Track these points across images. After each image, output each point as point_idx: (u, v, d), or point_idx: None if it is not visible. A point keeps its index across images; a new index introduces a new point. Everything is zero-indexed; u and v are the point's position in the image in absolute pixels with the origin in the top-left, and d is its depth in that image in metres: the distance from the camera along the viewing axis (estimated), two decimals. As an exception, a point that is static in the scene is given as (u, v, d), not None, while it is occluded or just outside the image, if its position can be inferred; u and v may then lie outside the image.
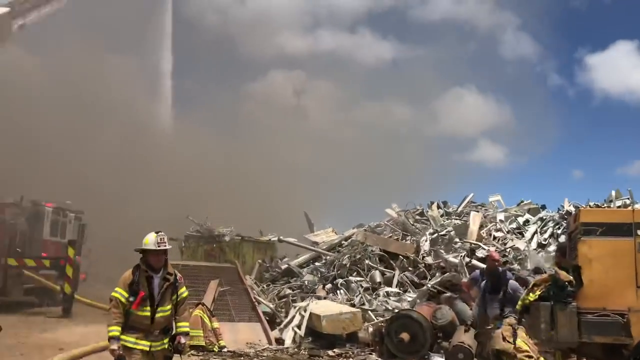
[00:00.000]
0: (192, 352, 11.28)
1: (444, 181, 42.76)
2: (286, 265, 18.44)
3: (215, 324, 12.04)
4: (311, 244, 20.69)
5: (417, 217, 19.67)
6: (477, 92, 65.95)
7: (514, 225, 17.24)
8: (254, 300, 14.27)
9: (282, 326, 12.88)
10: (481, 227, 16.46)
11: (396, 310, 12.43)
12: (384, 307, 13.18)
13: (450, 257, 13.83)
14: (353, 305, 13.33)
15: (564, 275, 8.08)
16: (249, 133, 35.63)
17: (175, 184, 27.63)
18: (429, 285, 13.27)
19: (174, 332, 6.13)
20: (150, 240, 6.03)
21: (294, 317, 12.92)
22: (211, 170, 29.83)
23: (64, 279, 16.35)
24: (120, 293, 5.90)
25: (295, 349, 11.65)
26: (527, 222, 17.42)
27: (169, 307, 6.05)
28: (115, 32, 33.26)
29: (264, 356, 11.06)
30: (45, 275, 16.82)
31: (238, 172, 30.74)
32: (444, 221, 18.16)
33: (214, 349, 11.49)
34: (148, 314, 5.95)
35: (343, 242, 19.33)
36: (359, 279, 15.32)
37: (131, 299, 5.90)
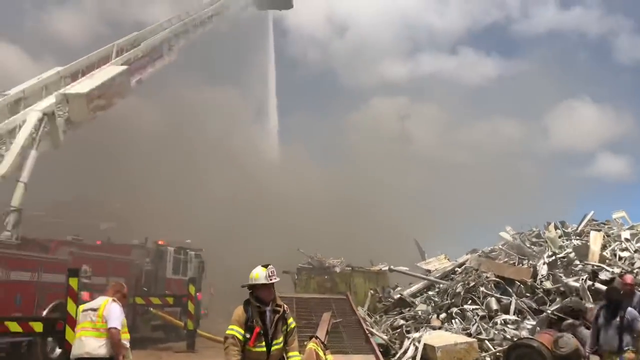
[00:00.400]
0: (307, 385, 11.38)
1: (561, 200, 40.60)
2: (398, 295, 18.25)
3: (330, 357, 12.07)
4: (423, 272, 20.38)
5: (534, 239, 18.84)
6: (591, 103, 62.46)
7: (642, 244, 15.99)
8: (367, 331, 14.19)
9: (396, 358, 12.70)
10: (604, 247, 15.43)
11: (515, 339, 11.87)
12: (501, 336, 12.64)
13: (571, 281, 13.06)
14: (469, 335, 12.90)
15: None
16: (355, 162, 36.00)
17: (285, 217, 28.35)
18: (549, 312, 12.55)
19: None
20: (260, 274, 5.96)
21: (408, 348, 12.72)
22: (319, 201, 30.36)
23: (186, 315, 17.17)
24: (236, 330, 5.80)
25: (411, 381, 11.42)
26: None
27: (281, 339, 6.00)
28: (219, 70, 35.24)
29: None
30: (169, 312, 17.79)
31: (346, 202, 31.02)
32: (563, 242, 17.24)
33: (331, 382, 11.50)
34: (264, 349, 5.88)
35: (456, 269, 18.86)
36: (474, 307, 14.83)
37: (247, 335, 5.81)
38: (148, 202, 30.74)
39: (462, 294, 15.65)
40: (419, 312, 16.07)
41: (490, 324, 13.62)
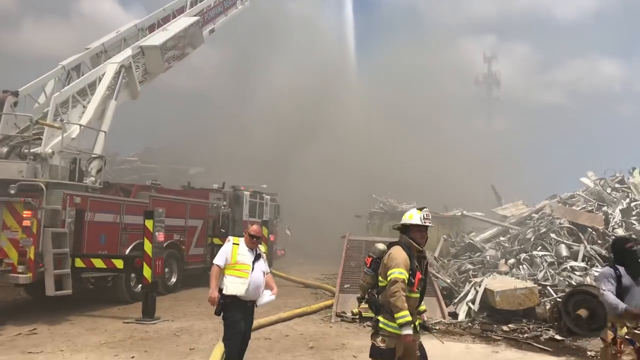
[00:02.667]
0: (368, 322, 11.84)
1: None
2: (469, 241, 18.22)
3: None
4: (499, 218, 20.09)
5: (616, 185, 18.02)
6: None
7: None
8: (431, 274, 14.38)
9: (456, 301, 12.85)
10: None
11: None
12: (566, 283, 12.44)
13: (643, 228, 12.52)
14: (536, 281, 12.78)
15: None
16: (437, 105, 35.06)
17: (360, 163, 28.51)
18: (616, 259, 12.12)
19: None
20: (414, 216, 5.74)
21: (468, 292, 12.82)
22: (396, 146, 30.17)
23: (259, 255, 17.95)
24: (405, 274, 5.46)
25: (469, 324, 11.57)
26: None
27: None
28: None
29: (435, 329, 11.16)
30: (245, 252, 18.66)
31: (424, 146, 30.66)
32: (647, 189, 16.42)
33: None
34: (418, 295, 5.69)
35: (533, 215, 18.48)
36: (543, 253, 14.60)
37: (412, 280, 5.55)
38: (232, 148, 31.99)
39: (532, 239, 15.42)
40: (487, 257, 16.03)
41: (558, 271, 13.41)
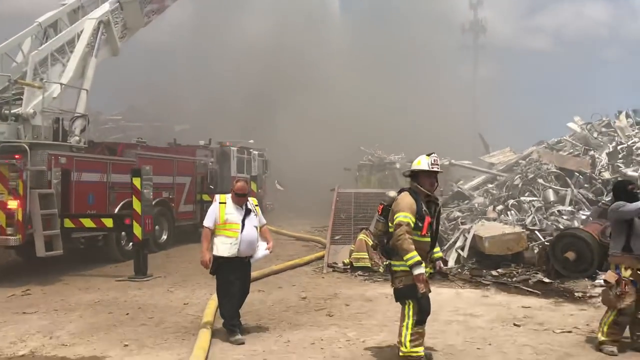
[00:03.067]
0: (359, 272, 12.01)
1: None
2: (457, 189, 18.31)
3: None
4: (487, 166, 20.17)
5: (603, 129, 18.08)
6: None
7: None
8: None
9: (445, 248, 12.99)
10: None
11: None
12: (554, 227, 12.59)
13: (629, 171, 12.62)
14: (524, 226, 12.93)
15: None
16: (423, 54, 34.65)
17: (348, 115, 28.31)
18: (603, 202, 12.30)
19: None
20: (422, 162, 5.76)
21: (457, 238, 12.96)
22: (383, 96, 29.96)
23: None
24: (410, 218, 5.55)
25: (458, 270, 11.74)
26: None
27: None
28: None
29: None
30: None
31: (411, 97, 30.46)
32: (633, 132, 16.48)
33: (379, 270, 12.00)
34: (429, 239, 5.77)
35: (521, 161, 18.54)
36: (531, 198, 14.72)
37: (420, 224, 5.62)
38: (217, 104, 31.62)
39: (520, 186, 15.52)
40: (476, 205, 16.15)
41: (546, 215, 13.56)
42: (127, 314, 8.57)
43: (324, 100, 29.51)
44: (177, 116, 35.03)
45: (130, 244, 12.59)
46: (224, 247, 6.96)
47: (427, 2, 38.39)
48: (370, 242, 12.48)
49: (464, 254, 12.22)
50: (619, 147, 14.35)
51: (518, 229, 12.11)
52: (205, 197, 16.74)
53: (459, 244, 12.68)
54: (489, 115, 31.05)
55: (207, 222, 7.07)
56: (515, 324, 7.75)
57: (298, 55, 31.85)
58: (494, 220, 14.02)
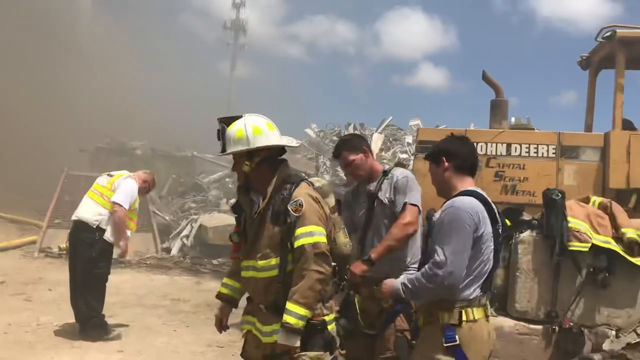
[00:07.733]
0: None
1: (381, 104, 43.27)
2: (196, 181, 18.50)
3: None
4: (228, 162, 20.66)
5: (335, 137, 19.85)
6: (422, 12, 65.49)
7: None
8: (151, 211, 14.26)
9: (171, 237, 13.01)
10: (384, 150, 16.72)
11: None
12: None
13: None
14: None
15: None
16: (180, 47, 34.40)
17: (90, 93, 26.55)
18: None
19: None
20: None
21: (184, 227, 13.07)
22: (131, 81, 28.87)
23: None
24: None
25: (180, 258, 11.82)
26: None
27: None
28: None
29: (146, 263, 11.21)
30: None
31: (157, 85, 29.91)
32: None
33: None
34: None
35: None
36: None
37: None
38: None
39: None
40: (210, 197, 16.49)
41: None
42: None
43: (63, 74, 26.85)
44: None
45: None
46: None
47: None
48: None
49: (189, 242, 12.36)
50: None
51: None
52: None
53: (185, 232, 12.79)
54: (242, 111, 31.92)
55: None
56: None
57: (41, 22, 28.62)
58: (226, 212, 14.46)
